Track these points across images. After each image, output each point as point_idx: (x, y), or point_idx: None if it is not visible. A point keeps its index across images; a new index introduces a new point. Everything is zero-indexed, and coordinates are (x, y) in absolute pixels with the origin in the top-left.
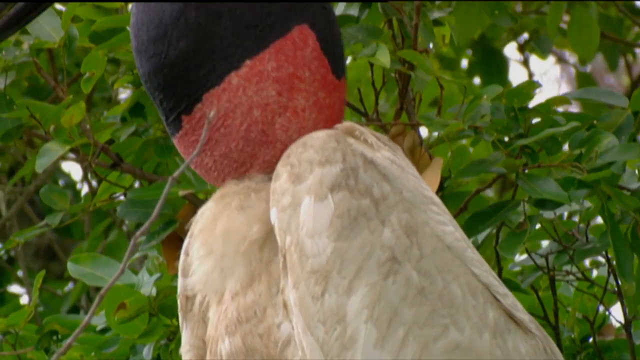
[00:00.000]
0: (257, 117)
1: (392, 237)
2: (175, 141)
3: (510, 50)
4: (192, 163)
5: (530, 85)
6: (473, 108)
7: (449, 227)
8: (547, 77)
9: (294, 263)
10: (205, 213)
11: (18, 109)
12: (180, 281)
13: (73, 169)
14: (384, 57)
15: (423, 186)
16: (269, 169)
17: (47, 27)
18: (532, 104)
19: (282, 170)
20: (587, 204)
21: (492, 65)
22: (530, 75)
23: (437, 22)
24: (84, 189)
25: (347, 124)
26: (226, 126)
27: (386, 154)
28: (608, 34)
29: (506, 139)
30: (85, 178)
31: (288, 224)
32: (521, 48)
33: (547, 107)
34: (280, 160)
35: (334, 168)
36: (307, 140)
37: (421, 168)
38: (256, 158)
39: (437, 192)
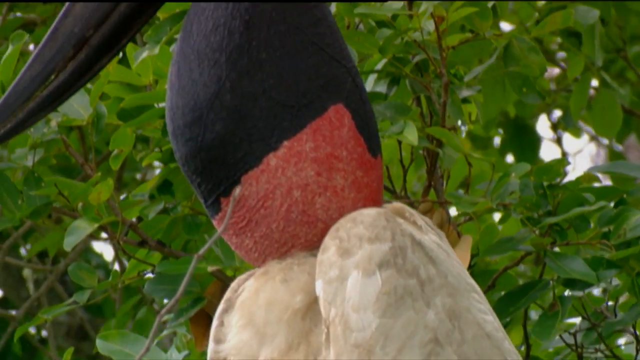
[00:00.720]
0: (297, 198)
1: (435, 319)
2: (214, 223)
3: (544, 128)
4: (232, 244)
5: (559, 163)
6: (501, 185)
7: (489, 317)
8: (582, 155)
9: (338, 336)
10: (247, 287)
11: (46, 186)
12: (211, 346)
13: (105, 249)
14: (412, 135)
15: (466, 273)
16: (310, 247)
17: (76, 105)
18: (565, 179)
19: (330, 244)
20: (616, 281)
21: (524, 142)
22: (564, 153)
23: (465, 100)
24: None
25: (397, 204)
26: (266, 207)
27: (433, 237)
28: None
29: (535, 215)
30: (117, 258)
31: (334, 296)
32: (554, 126)
33: (576, 185)
34: (328, 233)
35: (383, 245)
36: (357, 216)
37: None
38: (297, 238)
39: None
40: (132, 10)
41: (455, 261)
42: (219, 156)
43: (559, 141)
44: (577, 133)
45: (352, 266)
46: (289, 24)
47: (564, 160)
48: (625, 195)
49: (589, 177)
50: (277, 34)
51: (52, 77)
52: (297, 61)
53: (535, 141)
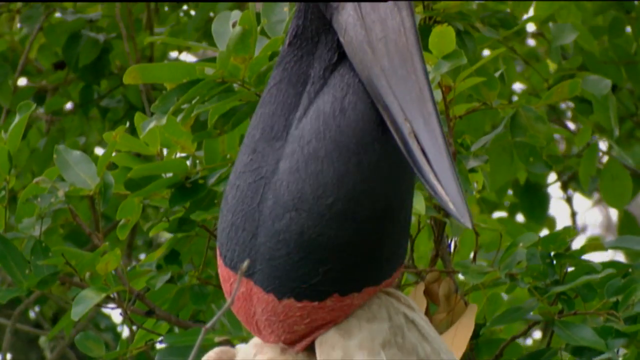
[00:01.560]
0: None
1: None
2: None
3: (554, 187)
4: (241, 318)
5: (566, 232)
6: (509, 255)
7: None
8: (591, 213)
9: None
10: None
11: (54, 256)
12: None
13: (114, 311)
14: (419, 204)
15: (451, 351)
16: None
17: (83, 174)
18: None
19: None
20: (623, 350)
21: (533, 201)
22: (573, 213)
23: (472, 169)
24: (125, 332)
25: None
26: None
27: (421, 314)
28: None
29: (542, 285)
30: (125, 321)
31: None
32: (564, 186)
33: (582, 253)
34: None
35: (382, 325)
36: None
37: (456, 315)
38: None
39: (471, 339)
40: None
41: (440, 338)
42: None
43: (568, 200)
44: (587, 194)
45: (356, 347)
46: None
47: (571, 229)
48: (630, 270)
49: (595, 244)
50: None
51: None
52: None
53: (544, 199)
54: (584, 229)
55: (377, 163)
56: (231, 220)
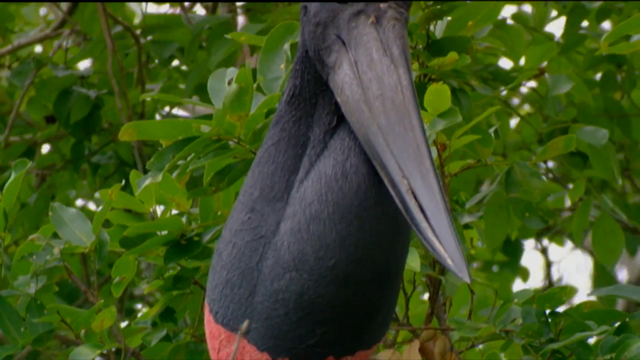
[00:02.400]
0: None
1: None
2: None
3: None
4: None
5: (562, 290)
6: (504, 312)
7: None
8: (566, 261)
9: None
10: None
11: (49, 313)
12: None
13: None
14: (414, 262)
15: None
16: None
17: (78, 232)
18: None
19: None
20: None
21: (507, 252)
22: (548, 263)
23: (466, 226)
24: None
25: None
26: None
27: None
28: (626, 224)
29: (537, 343)
30: None
31: None
32: (537, 235)
33: (577, 312)
34: None
35: None
36: None
37: None
38: None
39: None
40: None
41: None
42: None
43: (544, 251)
44: (560, 241)
45: None
46: None
47: (566, 288)
48: (627, 319)
49: (591, 304)
50: None
51: None
52: None
53: (517, 250)
54: (559, 279)
55: (378, 226)
56: (226, 278)
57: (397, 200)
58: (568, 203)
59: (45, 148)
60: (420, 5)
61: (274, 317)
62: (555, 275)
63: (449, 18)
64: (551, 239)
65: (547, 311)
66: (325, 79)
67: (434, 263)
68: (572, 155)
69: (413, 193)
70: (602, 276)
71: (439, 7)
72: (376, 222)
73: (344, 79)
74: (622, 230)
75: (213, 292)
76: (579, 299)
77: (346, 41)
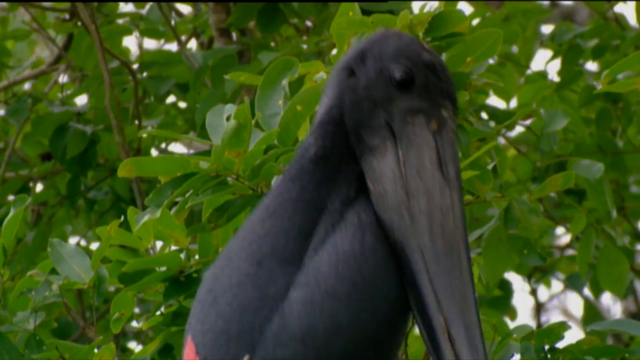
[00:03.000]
0: None
1: None
2: None
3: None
4: None
5: (560, 326)
6: (502, 347)
7: None
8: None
9: None
10: None
11: (48, 349)
12: None
13: None
14: None
15: None
16: None
17: (77, 268)
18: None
19: None
20: None
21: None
22: (538, 304)
23: None
24: None
25: None
26: None
27: None
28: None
29: None
30: None
31: None
32: (528, 277)
33: (577, 348)
34: None
35: None
36: None
37: None
38: None
39: None
40: None
41: None
42: None
43: (533, 292)
44: (547, 282)
45: None
46: None
47: (564, 324)
48: (627, 355)
49: (590, 340)
50: None
51: None
52: None
53: (508, 291)
54: (547, 321)
55: (390, 311)
56: (222, 328)
57: (423, 331)
58: (559, 241)
59: (41, 185)
60: None
61: None
62: (543, 317)
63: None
64: (540, 279)
65: (546, 347)
66: (358, 154)
67: None
68: (568, 191)
69: (450, 337)
70: (592, 316)
71: (437, 42)
72: (390, 308)
73: (386, 171)
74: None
75: (203, 336)
76: (571, 336)
77: (397, 134)
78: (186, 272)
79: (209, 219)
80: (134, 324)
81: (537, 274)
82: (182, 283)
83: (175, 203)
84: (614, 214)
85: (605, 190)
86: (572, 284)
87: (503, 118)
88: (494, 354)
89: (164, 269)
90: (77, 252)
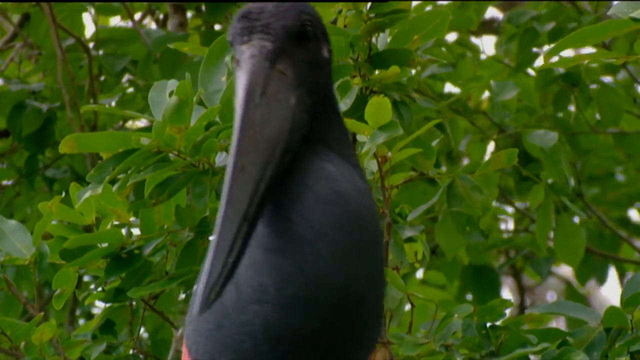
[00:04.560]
0: None
1: None
2: None
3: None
4: None
5: (502, 303)
6: (444, 326)
7: None
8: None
9: None
10: None
11: None
12: None
13: None
14: None
15: None
16: None
17: (18, 244)
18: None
19: None
20: None
21: (484, 284)
22: (522, 289)
23: (411, 239)
24: None
25: None
26: None
27: None
28: (597, 250)
29: (477, 356)
30: None
31: None
32: (512, 266)
33: (518, 325)
34: None
35: None
36: None
37: None
38: None
39: None
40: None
41: None
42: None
43: (516, 276)
44: (531, 273)
45: None
46: None
47: (506, 301)
48: (568, 338)
49: (531, 317)
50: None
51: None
52: None
53: (495, 282)
54: (533, 303)
55: (334, 250)
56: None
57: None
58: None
59: None
60: (362, 17)
61: (243, 350)
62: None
63: (392, 31)
64: (524, 270)
65: (488, 324)
66: None
67: None
68: (527, 163)
69: None
70: (574, 299)
71: (381, 19)
72: (332, 247)
73: None
74: (583, 230)
75: (187, 327)
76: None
77: None
78: (128, 249)
79: (151, 195)
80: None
81: (519, 260)
82: (123, 260)
83: (118, 179)
84: (572, 182)
85: (562, 158)
86: (536, 268)
87: (457, 103)
88: (436, 332)
89: (105, 245)
90: (18, 228)
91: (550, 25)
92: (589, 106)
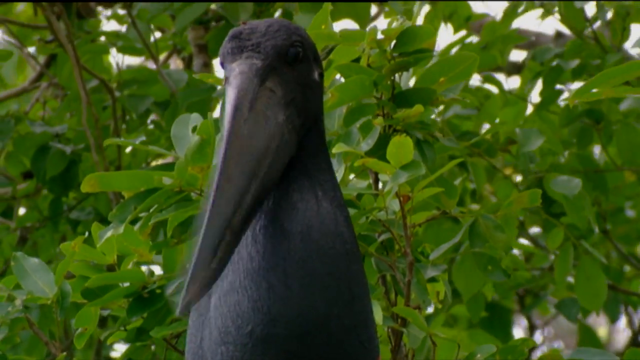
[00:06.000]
0: None
1: None
2: None
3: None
4: None
5: (524, 342)
6: None
7: None
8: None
9: None
10: None
11: None
12: None
13: None
14: (377, 314)
15: None
16: None
17: (40, 283)
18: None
19: None
20: None
21: (494, 321)
22: (532, 327)
23: (433, 279)
24: None
25: None
26: None
27: None
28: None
29: None
30: None
31: None
32: (521, 300)
33: None
34: None
35: None
36: None
37: None
38: None
39: None
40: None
41: None
42: None
43: (527, 317)
44: (545, 308)
45: None
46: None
47: (529, 340)
48: None
49: (552, 355)
50: (362, 271)
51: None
52: (370, 303)
53: (507, 320)
54: (544, 342)
55: (288, 283)
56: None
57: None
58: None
59: (23, 210)
60: (386, 56)
61: None
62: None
63: (417, 69)
64: (535, 304)
65: None
66: None
67: (396, 316)
68: (549, 206)
69: None
70: (588, 338)
71: (405, 58)
72: (285, 280)
73: None
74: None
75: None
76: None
77: None
78: (149, 288)
79: (173, 234)
80: None
81: (528, 298)
82: (145, 299)
83: (140, 218)
84: (596, 229)
85: (585, 205)
86: (564, 310)
87: (483, 143)
88: None
89: (127, 284)
90: (41, 267)
91: (574, 63)
92: (611, 143)
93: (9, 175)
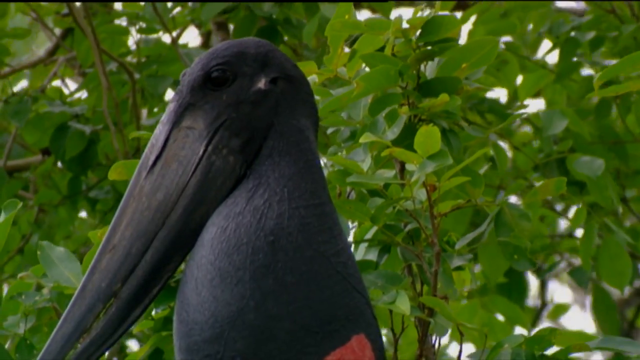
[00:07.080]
0: None
1: None
2: None
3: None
4: None
5: (551, 333)
6: (494, 356)
7: None
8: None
9: None
10: None
11: (39, 353)
12: None
13: None
14: (404, 305)
15: None
16: None
17: (67, 272)
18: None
19: None
20: None
21: (512, 288)
22: (542, 282)
23: (459, 267)
24: None
25: None
26: None
27: None
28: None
29: None
30: None
31: None
32: (538, 270)
33: (565, 354)
34: None
35: None
36: None
37: None
38: None
39: None
40: (159, 259)
41: None
42: None
43: (542, 286)
44: (552, 260)
45: None
46: (314, 250)
47: (555, 330)
48: None
49: (580, 345)
50: (303, 259)
51: (84, 335)
52: (323, 288)
53: (523, 286)
54: (551, 300)
55: (198, 290)
56: None
57: None
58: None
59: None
60: (411, 45)
61: None
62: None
63: (441, 59)
64: (550, 269)
65: (537, 354)
66: None
67: (422, 305)
68: (569, 183)
69: None
70: (601, 298)
71: (429, 47)
72: (195, 289)
73: None
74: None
75: None
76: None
77: None
78: (177, 277)
79: None
80: None
81: (540, 256)
82: (173, 288)
83: None
84: (620, 210)
85: (609, 185)
86: (576, 278)
87: (501, 113)
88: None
89: None
90: (67, 256)
91: (591, 35)
92: (630, 113)
93: (25, 144)
